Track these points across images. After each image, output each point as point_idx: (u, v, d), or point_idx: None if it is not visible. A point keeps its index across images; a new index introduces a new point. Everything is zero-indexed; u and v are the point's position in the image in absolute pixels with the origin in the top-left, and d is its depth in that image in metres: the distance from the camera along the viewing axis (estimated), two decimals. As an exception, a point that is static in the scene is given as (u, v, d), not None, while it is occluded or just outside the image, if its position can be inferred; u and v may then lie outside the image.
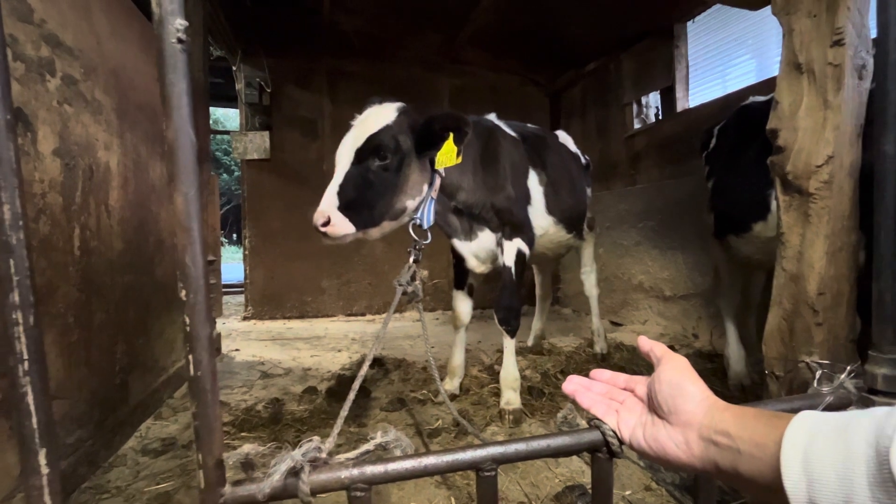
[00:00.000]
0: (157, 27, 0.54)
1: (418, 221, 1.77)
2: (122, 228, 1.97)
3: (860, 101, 0.88)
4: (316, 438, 0.64)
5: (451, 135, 1.68)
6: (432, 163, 1.78)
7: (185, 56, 0.54)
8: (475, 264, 2.24)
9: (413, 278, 1.54)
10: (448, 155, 1.70)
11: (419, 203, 1.79)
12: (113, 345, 1.86)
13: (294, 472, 0.63)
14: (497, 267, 2.20)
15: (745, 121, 2.22)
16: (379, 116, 1.75)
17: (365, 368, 1.03)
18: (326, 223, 1.56)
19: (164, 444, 1.82)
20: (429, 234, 1.75)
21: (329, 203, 1.58)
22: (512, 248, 2.14)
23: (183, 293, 0.56)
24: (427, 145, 1.72)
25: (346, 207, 1.59)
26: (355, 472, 0.65)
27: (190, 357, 0.57)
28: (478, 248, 2.19)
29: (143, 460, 1.71)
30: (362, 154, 1.67)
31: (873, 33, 0.92)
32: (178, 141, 0.55)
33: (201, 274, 0.56)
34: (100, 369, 1.75)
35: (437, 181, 1.83)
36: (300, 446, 0.62)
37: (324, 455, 0.67)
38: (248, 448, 0.60)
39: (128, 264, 2.01)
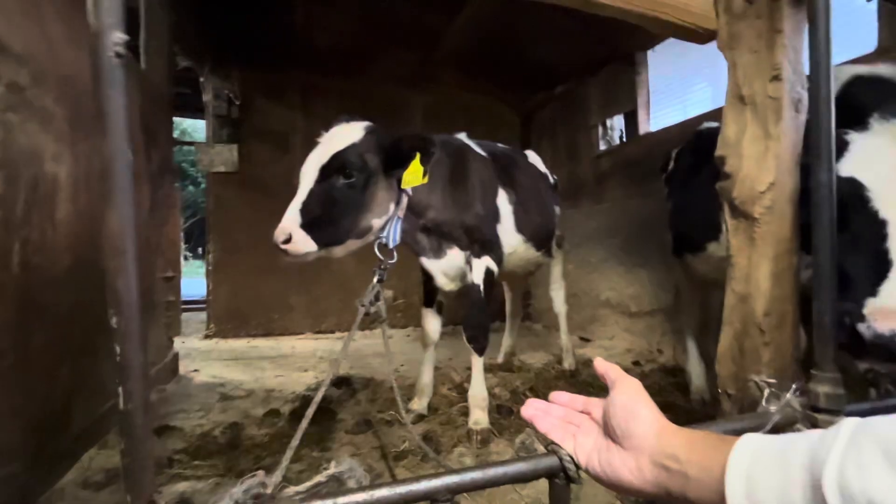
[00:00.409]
0: (93, 40, 0.52)
1: (384, 240, 1.75)
2: (71, 243, 1.86)
3: (798, 131, 0.94)
4: (260, 473, 0.61)
5: (418, 155, 1.69)
6: (399, 182, 1.78)
7: (123, 71, 0.52)
8: (444, 282, 2.23)
9: (377, 298, 1.52)
10: (415, 175, 1.71)
11: (385, 222, 1.78)
12: (55, 368, 1.73)
13: (236, 510, 0.59)
14: (466, 284, 2.20)
15: (698, 146, 2.34)
16: (346, 134, 1.74)
17: (319, 396, 0.99)
18: (287, 240, 1.52)
19: (108, 475, 1.69)
20: (395, 254, 1.75)
21: (291, 220, 1.54)
22: (480, 266, 2.15)
23: (114, 320, 0.52)
24: (395, 164, 1.73)
25: (308, 225, 1.56)
26: (302, 507, 0.62)
27: (120, 389, 0.53)
28: (447, 266, 2.19)
29: (84, 494, 1.59)
30: (327, 171, 1.65)
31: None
32: (114, 159, 0.52)
33: (135, 300, 0.53)
34: (39, 395, 1.62)
35: (405, 200, 1.83)
36: (241, 482, 0.59)
37: (269, 490, 0.63)
38: (183, 486, 0.56)
39: (76, 281, 1.89)
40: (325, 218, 1.59)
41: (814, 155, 0.86)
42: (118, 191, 0.52)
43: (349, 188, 1.65)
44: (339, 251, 1.70)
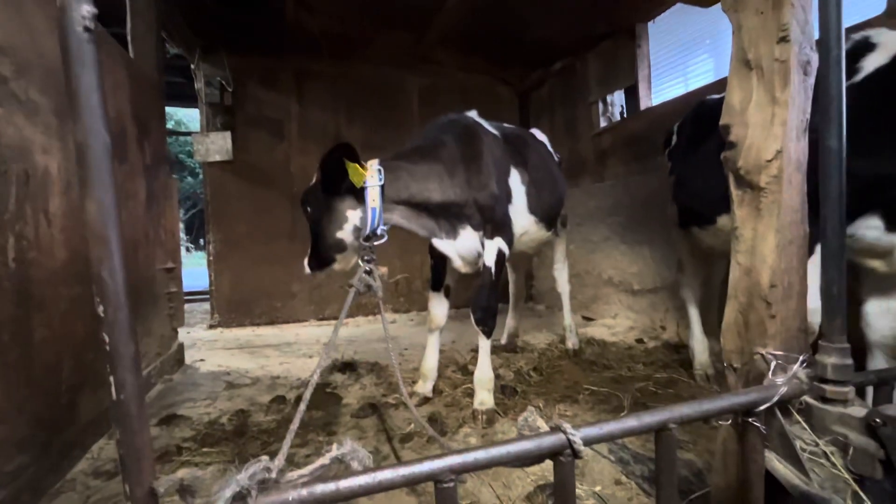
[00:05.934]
0: (60, 14, 0.49)
1: (365, 232, 1.89)
2: (67, 237, 1.84)
3: (806, 96, 0.91)
4: (264, 458, 0.60)
5: (345, 161, 1.84)
6: (349, 190, 1.91)
7: (93, 46, 0.49)
8: (461, 264, 2.21)
9: (369, 274, 1.63)
10: (356, 173, 1.84)
11: (359, 223, 1.93)
12: (58, 362, 1.74)
13: (241, 497, 0.59)
14: (479, 266, 2.18)
15: (701, 117, 2.29)
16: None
17: (314, 378, 0.98)
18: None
19: (117, 465, 1.71)
20: (384, 235, 1.91)
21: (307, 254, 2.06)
22: (493, 248, 2.13)
23: (101, 309, 0.51)
24: (337, 181, 1.88)
25: (309, 256, 2.05)
26: (304, 492, 0.61)
27: (111, 379, 0.52)
28: (461, 247, 2.16)
29: (95, 484, 1.61)
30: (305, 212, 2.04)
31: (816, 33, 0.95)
32: (89, 142, 0.50)
33: (121, 288, 0.51)
34: (43, 389, 1.63)
35: (368, 192, 1.89)
36: (245, 468, 0.58)
37: (273, 475, 0.63)
38: (182, 473, 0.56)
39: (74, 275, 1.88)
40: (312, 249, 2.04)
41: (823, 120, 0.82)
42: (95, 176, 0.50)
43: (313, 222, 2.00)
44: (337, 266, 2.06)
